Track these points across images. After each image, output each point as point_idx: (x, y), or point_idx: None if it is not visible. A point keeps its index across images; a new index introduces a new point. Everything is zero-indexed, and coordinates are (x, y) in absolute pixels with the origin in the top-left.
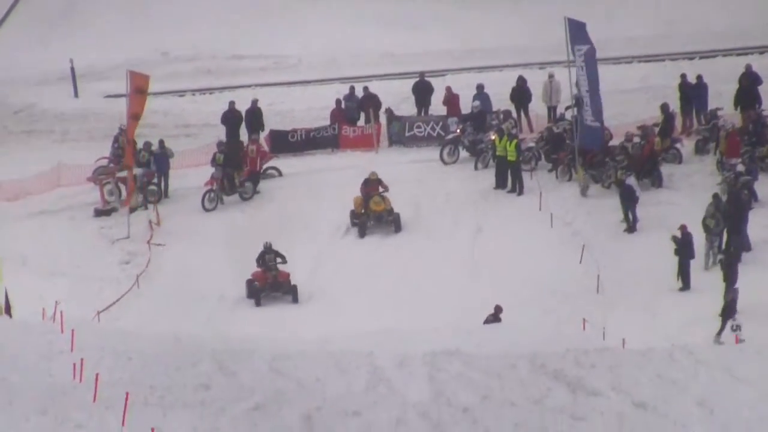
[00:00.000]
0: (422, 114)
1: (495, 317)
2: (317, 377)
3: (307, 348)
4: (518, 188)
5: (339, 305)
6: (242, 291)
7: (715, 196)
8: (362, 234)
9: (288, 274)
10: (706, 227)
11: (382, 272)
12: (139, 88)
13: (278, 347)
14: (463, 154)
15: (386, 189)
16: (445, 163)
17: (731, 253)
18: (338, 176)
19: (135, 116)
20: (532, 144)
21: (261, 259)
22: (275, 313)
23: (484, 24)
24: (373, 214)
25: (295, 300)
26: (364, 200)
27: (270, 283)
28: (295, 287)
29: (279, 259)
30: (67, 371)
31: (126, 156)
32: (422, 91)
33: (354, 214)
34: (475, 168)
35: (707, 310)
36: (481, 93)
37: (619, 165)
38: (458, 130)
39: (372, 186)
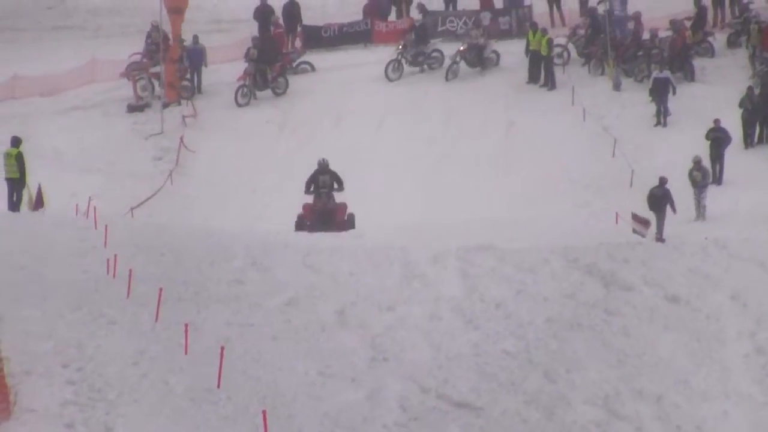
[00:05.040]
0: (453, 9)
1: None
2: (351, 272)
3: (340, 243)
4: (550, 83)
5: (370, 200)
6: (275, 182)
7: (750, 89)
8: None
9: (344, 206)
10: (692, 180)
11: (415, 167)
12: None
13: (312, 242)
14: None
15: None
16: (390, 80)
17: None
18: (371, 71)
19: (178, 10)
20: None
21: (313, 182)
22: None
23: None
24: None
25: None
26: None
27: (319, 215)
28: (351, 219)
29: (335, 185)
30: (100, 267)
31: (171, 50)
32: None
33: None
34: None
35: (740, 204)
36: None
37: (652, 59)
38: (400, 46)
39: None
